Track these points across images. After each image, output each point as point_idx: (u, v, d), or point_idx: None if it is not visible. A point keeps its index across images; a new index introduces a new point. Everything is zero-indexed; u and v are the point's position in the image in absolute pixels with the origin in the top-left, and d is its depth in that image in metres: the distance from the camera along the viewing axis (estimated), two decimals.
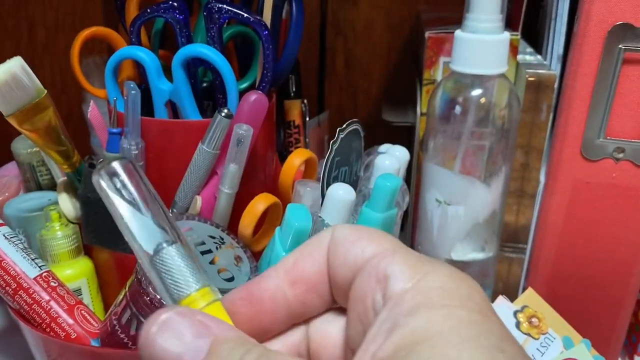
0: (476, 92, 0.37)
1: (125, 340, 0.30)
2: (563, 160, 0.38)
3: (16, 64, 0.32)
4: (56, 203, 0.36)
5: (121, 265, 0.35)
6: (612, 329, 0.42)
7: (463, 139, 0.38)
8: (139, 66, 0.36)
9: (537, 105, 0.39)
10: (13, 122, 0.32)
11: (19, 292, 0.31)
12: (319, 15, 0.59)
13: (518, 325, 0.35)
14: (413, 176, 0.45)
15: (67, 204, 0.36)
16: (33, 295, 0.32)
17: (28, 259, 0.32)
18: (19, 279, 0.32)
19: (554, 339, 0.34)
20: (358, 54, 0.60)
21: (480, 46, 0.35)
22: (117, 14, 0.40)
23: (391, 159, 0.37)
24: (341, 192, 0.31)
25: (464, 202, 0.39)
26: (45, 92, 0.34)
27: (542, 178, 0.41)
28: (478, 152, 0.38)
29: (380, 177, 0.33)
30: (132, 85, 0.33)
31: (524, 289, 0.45)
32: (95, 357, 0.31)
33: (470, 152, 0.38)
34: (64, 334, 0.32)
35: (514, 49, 0.41)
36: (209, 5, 0.35)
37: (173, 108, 0.36)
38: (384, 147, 0.41)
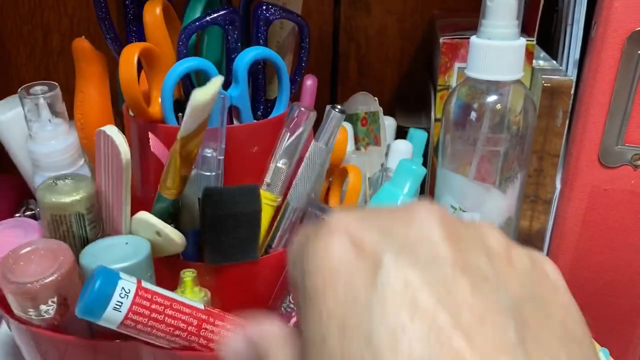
0: (491, 98, 0.37)
1: None
2: (580, 167, 0.38)
3: (218, 85, 0.29)
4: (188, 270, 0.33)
5: (249, 273, 0.35)
6: (631, 338, 0.41)
7: (478, 145, 0.38)
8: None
9: (553, 111, 0.39)
10: (182, 142, 0.30)
11: (204, 326, 0.29)
12: (331, 22, 0.59)
13: None
14: (427, 182, 0.45)
15: (175, 232, 0.33)
16: (217, 323, 0.30)
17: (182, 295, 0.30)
18: (197, 313, 0.29)
19: None
20: (371, 60, 0.60)
21: (496, 52, 0.35)
22: (127, 24, 0.40)
23: (407, 143, 0.41)
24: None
25: (479, 209, 0.39)
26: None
27: (558, 184, 0.41)
28: (493, 159, 0.38)
29: (404, 160, 0.37)
30: (223, 93, 0.33)
31: None
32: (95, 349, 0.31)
33: (485, 158, 0.38)
34: None
35: (529, 55, 0.41)
36: (262, 7, 0.36)
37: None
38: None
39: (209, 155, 0.33)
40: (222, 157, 0.33)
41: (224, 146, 0.33)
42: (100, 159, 0.31)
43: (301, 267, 0.17)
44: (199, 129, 0.31)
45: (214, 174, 0.33)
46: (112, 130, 0.30)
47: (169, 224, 0.32)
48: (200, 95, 0.29)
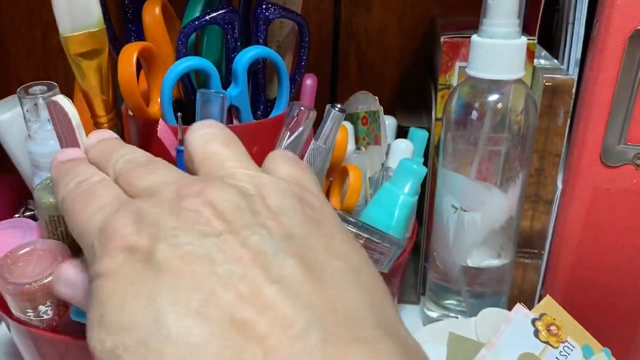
0: (493, 97, 0.36)
1: None
2: (582, 167, 0.38)
3: None
4: None
5: None
6: (632, 338, 0.41)
7: (479, 145, 0.38)
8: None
9: (554, 110, 0.39)
10: (69, 43, 0.30)
11: None
12: (332, 21, 0.58)
13: (536, 333, 0.34)
14: (428, 182, 0.44)
15: None
16: None
17: None
18: None
19: (574, 347, 0.34)
20: (371, 59, 0.60)
21: (497, 51, 0.35)
22: (126, 23, 0.40)
23: (407, 142, 0.41)
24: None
25: (480, 209, 0.38)
26: (105, 27, 0.31)
27: (560, 184, 0.41)
28: (494, 158, 0.38)
29: (404, 159, 0.37)
30: (222, 93, 0.33)
31: (540, 296, 0.44)
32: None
33: (486, 158, 0.38)
34: None
35: (530, 54, 0.40)
36: (262, 6, 0.36)
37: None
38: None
39: None
40: None
41: None
42: (59, 133, 0.31)
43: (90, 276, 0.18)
44: (91, 34, 0.30)
45: None
46: (58, 97, 0.29)
47: None
48: None
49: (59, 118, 0.30)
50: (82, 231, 0.20)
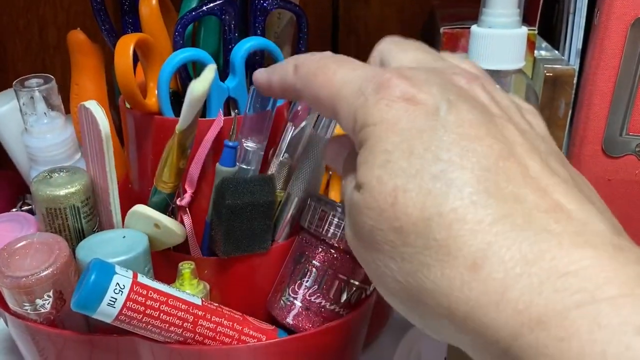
0: None
1: (337, 309, 0.32)
2: (584, 157, 0.37)
3: (213, 73, 0.29)
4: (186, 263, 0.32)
5: (250, 266, 0.34)
6: None
7: None
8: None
9: (555, 101, 0.39)
10: (180, 135, 0.30)
11: (200, 322, 0.29)
12: (330, 12, 0.58)
13: None
14: None
15: (174, 223, 0.32)
16: (214, 319, 0.29)
17: (180, 291, 0.30)
18: (193, 309, 0.29)
19: None
20: (370, 50, 0.59)
21: (497, 41, 0.34)
22: (123, 16, 0.40)
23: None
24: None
25: None
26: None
27: None
28: None
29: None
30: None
31: None
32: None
33: None
34: (254, 340, 0.31)
35: (530, 45, 0.40)
36: None
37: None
38: None
39: (250, 149, 0.32)
40: (262, 153, 0.33)
41: (266, 142, 0.33)
42: (84, 135, 0.31)
43: (362, 123, 0.19)
44: (195, 121, 0.30)
45: (253, 168, 0.33)
46: (90, 104, 0.29)
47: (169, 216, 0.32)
48: (199, 87, 0.29)
49: (87, 125, 0.30)
50: (341, 80, 0.20)
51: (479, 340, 0.16)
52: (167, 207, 0.33)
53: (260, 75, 0.25)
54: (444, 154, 0.17)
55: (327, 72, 0.21)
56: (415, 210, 0.17)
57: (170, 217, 0.33)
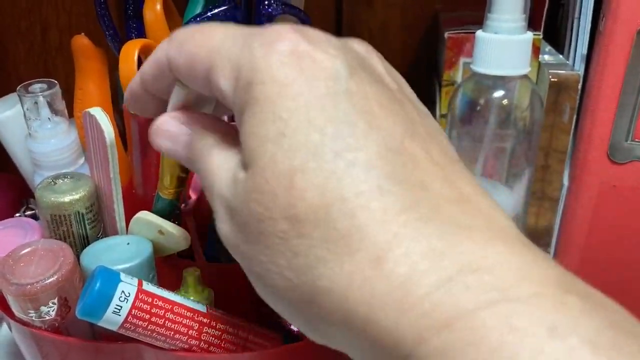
0: (498, 93, 0.36)
1: None
2: (589, 163, 0.37)
3: None
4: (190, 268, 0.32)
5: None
6: None
7: (484, 142, 0.37)
8: None
9: (560, 106, 0.38)
10: None
11: (205, 330, 0.29)
12: (334, 16, 0.58)
13: None
14: None
15: (178, 229, 0.31)
16: (219, 327, 0.29)
17: (185, 298, 0.29)
18: (198, 317, 0.29)
19: None
20: None
21: (503, 47, 0.34)
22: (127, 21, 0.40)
23: None
24: None
25: None
26: None
27: (566, 181, 0.40)
28: (500, 155, 0.38)
29: None
30: None
31: None
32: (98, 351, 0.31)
33: (491, 155, 0.38)
34: (260, 348, 0.30)
35: (535, 50, 0.40)
36: (265, 2, 0.36)
37: None
38: None
39: None
40: None
41: None
42: (88, 142, 0.31)
43: (247, 80, 0.16)
44: None
45: None
46: (95, 111, 0.29)
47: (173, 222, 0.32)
48: None
49: (92, 132, 0.30)
50: (223, 35, 0.17)
51: (378, 348, 0.14)
52: (171, 213, 0.33)
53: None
54: (346, 129, 0.15)
55: (207, 30, 0.18)
56: (315, 195, 0.14)
57: (175, 223, 0.33)
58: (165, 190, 0.32)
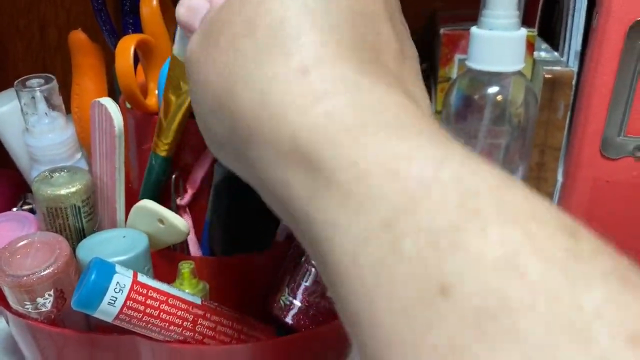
0: (492, 89, 0.36)
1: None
2: (582, 159, 0.38)
3: None
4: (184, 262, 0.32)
5: (249, 265, 0.34)
6: None
7: (479, 138, 0.37)
8: None
9: (554, 103, 0.39)
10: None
11: (199, 322, 0.29)
12: None
13: None
14: None
15: (178, 218, 0.31)
16: (213, 319, 0.29)
17: (180, 290, 0.30)
18: (193, 309, 0.29)
19: None
20: None
21: (497, 43, 0.35)
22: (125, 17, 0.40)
23: None
24: None
25: None
26: None
27: (560, 177, 0.41)
28: (494, 151, 0.38)
29: None
30: None
31: None
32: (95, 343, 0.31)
33: (486, 151, 0.38)
34: (254, 340, 0.31)
35: (530, 46, 0.40)
36: None
37: None
38: None
39: None
40: None
41: None
42: (94, 132, 0.31)
43: None
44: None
45: None
46: (106, 100, 0.29)
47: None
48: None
49: (100, 121, 0.30)
50: None
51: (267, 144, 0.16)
52: (166, 171, 0.33)
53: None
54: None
55: None
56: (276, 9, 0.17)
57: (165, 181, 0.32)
58: (163, 146, 0.32)
